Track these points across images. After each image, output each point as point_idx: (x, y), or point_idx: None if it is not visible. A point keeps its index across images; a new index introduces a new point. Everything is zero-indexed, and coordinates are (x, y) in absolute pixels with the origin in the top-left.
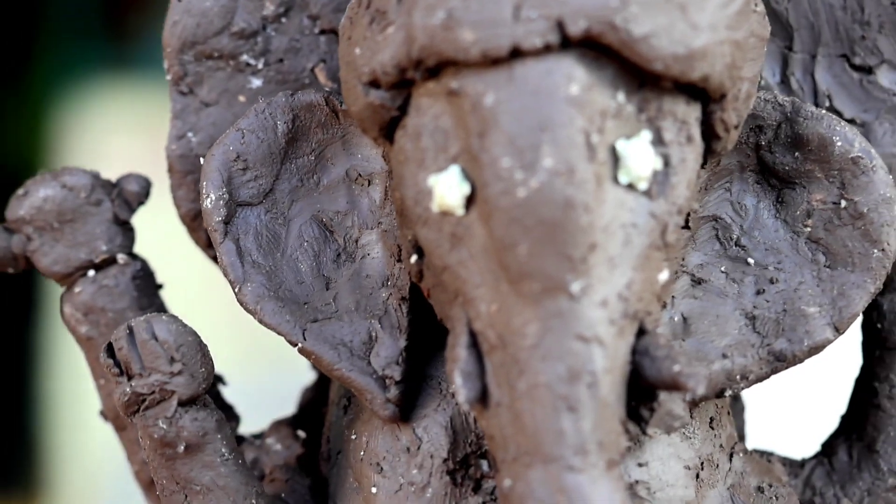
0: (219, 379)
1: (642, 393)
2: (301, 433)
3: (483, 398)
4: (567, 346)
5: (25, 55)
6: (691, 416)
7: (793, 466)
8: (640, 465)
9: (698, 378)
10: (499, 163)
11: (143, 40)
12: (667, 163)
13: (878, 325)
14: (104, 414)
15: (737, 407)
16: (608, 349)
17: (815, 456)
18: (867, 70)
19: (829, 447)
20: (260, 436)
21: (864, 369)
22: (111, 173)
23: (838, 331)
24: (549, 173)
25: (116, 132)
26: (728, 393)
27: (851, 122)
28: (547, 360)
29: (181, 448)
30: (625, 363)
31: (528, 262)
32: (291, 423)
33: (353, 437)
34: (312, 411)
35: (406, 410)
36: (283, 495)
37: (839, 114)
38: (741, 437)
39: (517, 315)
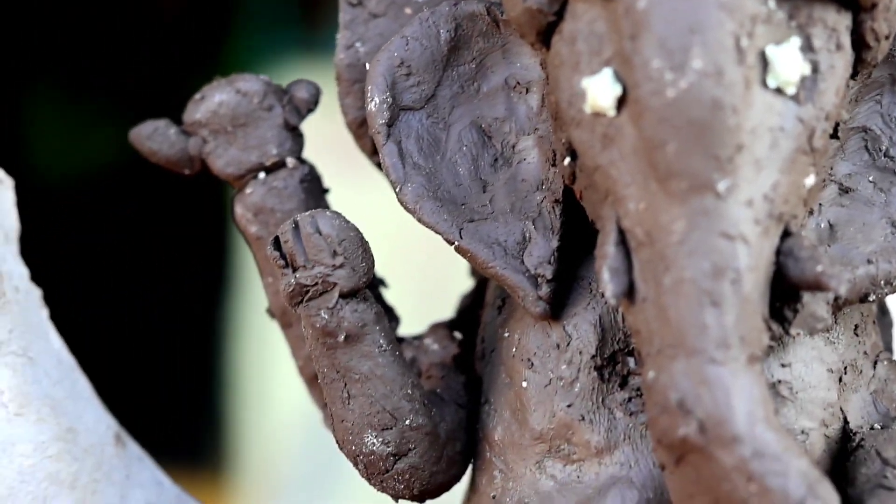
0: (381, 281)
1: (786, 294)
2: (458, 334)
3: (630, 294)
4: (712, 243)
5: (221, 40)
6: (836, 322)
7: None
8: (783, 365)
9: (840, 279)
10: (650, 64)
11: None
12: (815, 69)
13: None
14: (270, 311)
15: (885, 321)
16: (752, 247)
17: None
18: None
19: None
20: (419, 337)
21: None
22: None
23: None
24: (698, 74)
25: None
26: (872, 298)
27: None
28: (692, 256)
29: (341, 338)
30: (769, 262)
31: (676, 161)
32: (449, 325)
33: (506, 335)
34: (469, 315)
35: (556, 308)
36: (438, 391)
37: None
38: (889, 350)
39: (664, 212)
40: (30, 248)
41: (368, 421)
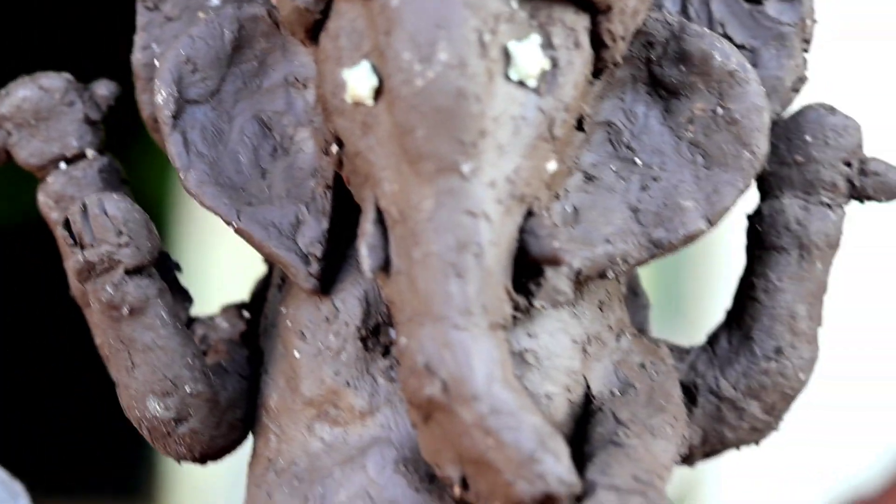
0: (176, 266)
1: (530, 269)
2: (246, 314)
3: (386, 268)
4: (457, 220)
5: None
6: (581, 298)
7: (679, 352)
8: (529, 335)
9: (574, 254)
10: (401, 56)
11: None
12: (555, 64)
13: (758, 228)
14: (73, 295)
15: (639, 301)
16: (494, 224)
17: (701, 345)
18: (757, 1)
19: (713, 337)
20: (212, 317)
21: (745, 269)
22: None
23: (710, 223)
24: (443, 66)
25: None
26: (610, 275)
27: (741, 47)
28: (438, 231)
29: (125, 310)
30: (511, 239)
31: (424, 145)
32: (240, 306)
33: (283, 310)
34: (260, 297)
35: (326, 285)
36: (223, 363)
37: (731, 39)
38: (641, 331)
39: (415, 192)
40: None
41: (151, 388)
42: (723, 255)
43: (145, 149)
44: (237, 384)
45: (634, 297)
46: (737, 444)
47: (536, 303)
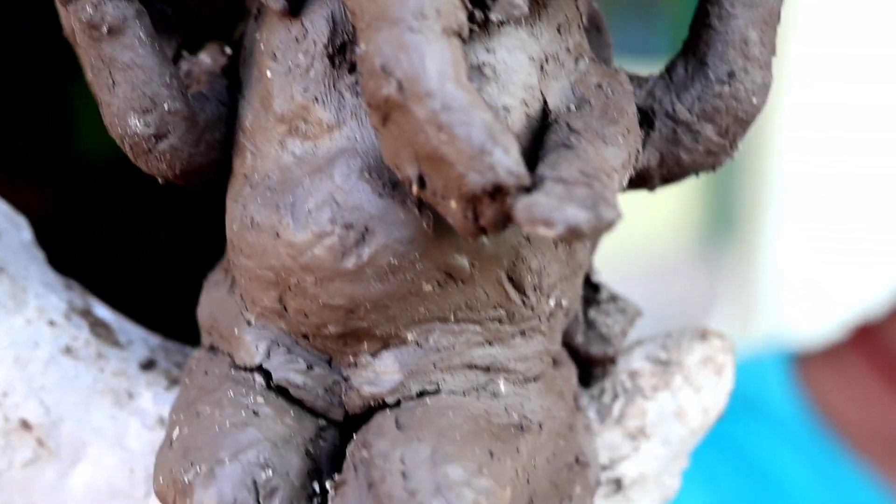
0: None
1: None
2: (228, 49)
3: None
4: None
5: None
6: (539, 19)
7: (638, 80)
8: (487, 50)
9: None
10: None
11: None
12: None
13: None
14: (67, 36)
15: (602, 39)
16: None
17: (658, 73)
18: None
19: (670, 66)
20: (196, 54)
21: None
22: None
23: None
24: None
25: None
26: None
27: None
28: None
29: (104, 29)
30: None
31: None
32: (222, 43)
33: (258, 36)
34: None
35: (296, 7)
36: (203, 91)
37: None
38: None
39: None
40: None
41: (131, 105)
42: (773, 170)
43: None
44: (216, 108)
45: (598, 33)
46: (693, 169)
47: (493, 15)
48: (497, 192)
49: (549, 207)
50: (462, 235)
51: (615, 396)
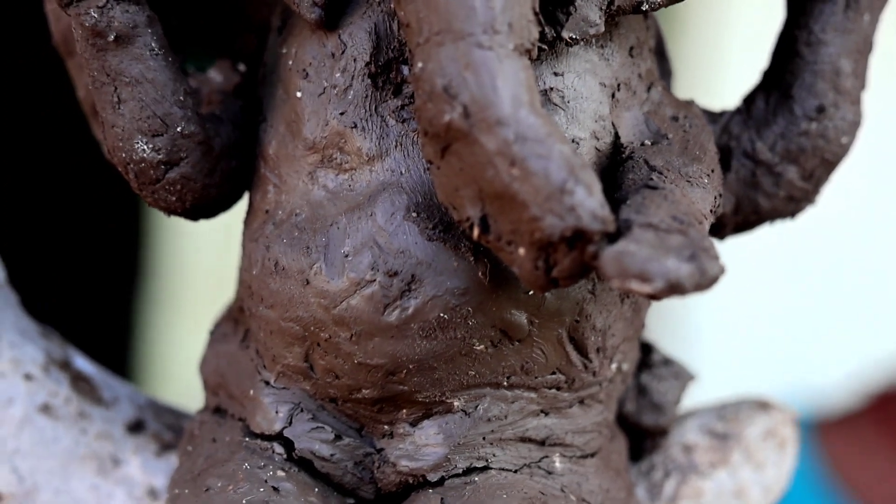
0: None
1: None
2: (242, 66)
3: None
4: None
5: None
6: (610, 40)
7: (711, 115)
8: (555, 74)
9: None
10: None
11: None
12: None
13: None
14: (55, 44)
15: (664, 67)
16: None
17: (735, 107)
18: None
19: (748, 99)
20: (206, 71)
21: (785, 23)
22: None
23: None
24: None
25: None
26: (644, 7)
27: None
28: None
29: (111, 37)
30: None
31: None
32: (234, 60)
33: (284, 51)
34: (256, 54)
35: (332, 18)
36: (216, 112)
37: None
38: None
39: None
40: None
41: (139, 126)
42: None
43: None
44: (232, 133)
45: (661, 59)
46: (772, 215)
47: (565, 33)
48: (577, 239)
49: (644, 259)
50: (528, 288)
51: (667, 474)
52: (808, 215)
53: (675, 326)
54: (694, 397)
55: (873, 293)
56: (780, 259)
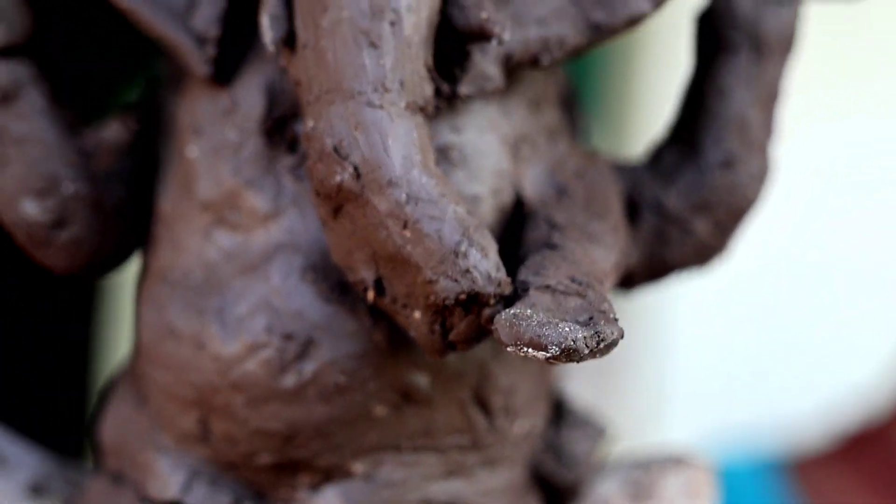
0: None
1: (456, 52)
2: (133, 124)
3: (290, 41)
4: None
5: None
6: (511, 94)
7: (620, 167)
8: (453, 130)
9: (504, 25)
10: None
11: None
12: None
13: (706, 29)
14: None
15: (577, 119)
16: None
17: (643, 160)
18: None
19: (656, 152)
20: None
21: (692, 76)
22: None
23: (655, 4)
24: None
25: None
26: (544, 61)
27: None
28: None
29: None
30: (432, 8)
31: None
32: (126, 115)
33: (175, 104)
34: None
35: (225, 74)
36: (107, 170)
37: None
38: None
39: None
40: None
41: (26, 186)
42: None
43: None
44: (124, 191)
45: (571, 112)
46: (681, 266)
47: (462, 89)
48: (472, 303)
49: (537, 324)
50: (426, 352)
51: None
52: (784, 250)
53: (649, 361)
54: (674, 434)
55: (848, 325)
56: (752, 294)
